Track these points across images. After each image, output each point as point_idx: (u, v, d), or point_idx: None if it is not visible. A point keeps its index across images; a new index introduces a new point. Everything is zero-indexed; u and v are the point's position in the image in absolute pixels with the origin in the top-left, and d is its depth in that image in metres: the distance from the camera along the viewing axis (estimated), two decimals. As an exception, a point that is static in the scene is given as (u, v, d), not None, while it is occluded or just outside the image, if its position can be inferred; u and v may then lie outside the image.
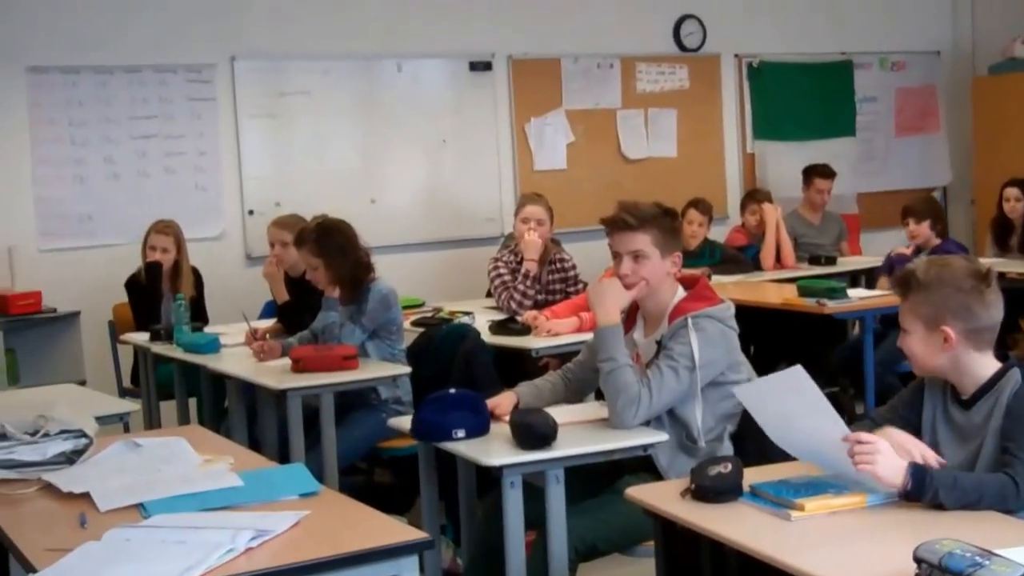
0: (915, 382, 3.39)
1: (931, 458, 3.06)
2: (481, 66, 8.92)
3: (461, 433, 3.90)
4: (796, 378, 3.08)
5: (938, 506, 2.92)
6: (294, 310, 6.22)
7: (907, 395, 3.39)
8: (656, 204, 4.15)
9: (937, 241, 7.38)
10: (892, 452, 2.99)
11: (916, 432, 3.28)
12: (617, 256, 4.09)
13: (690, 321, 3.95)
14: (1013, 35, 10.22)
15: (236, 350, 6.00)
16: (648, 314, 4.15)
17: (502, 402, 4.14)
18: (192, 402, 6.56)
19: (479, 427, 3.93)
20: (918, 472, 2.94)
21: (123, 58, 7.81)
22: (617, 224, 4.08)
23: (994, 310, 3.18)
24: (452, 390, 4.03)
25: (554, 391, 4.29)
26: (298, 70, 8.33)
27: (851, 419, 4.47)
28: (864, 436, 3.00)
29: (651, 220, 4.05)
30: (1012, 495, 2.93)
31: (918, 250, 7.36)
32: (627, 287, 4.04)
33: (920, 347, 3.22)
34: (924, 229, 7.45)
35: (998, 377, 3.17)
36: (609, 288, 4.06)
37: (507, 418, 3.96)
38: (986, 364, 3.20)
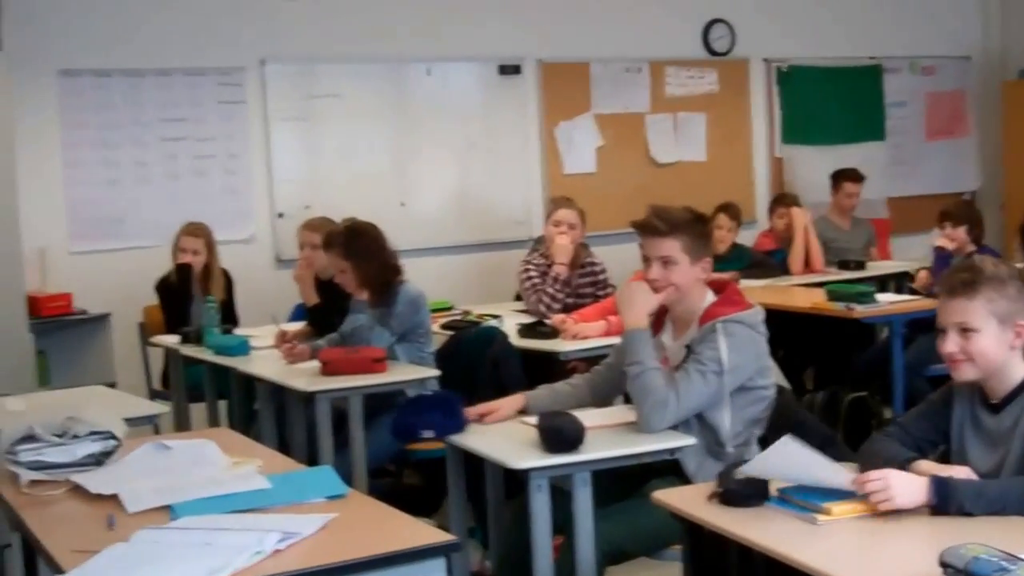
0: (945, 387, 3.35)
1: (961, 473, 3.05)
2: (510, 70, 8.95)
3: (429, 433, 3.99)
4: (787, 449, 3.07)
5: (965, 514, 2.90)
6: (323, 313, 6.22)
7: (936, 400, 3.36)
8: (687, 209, 4.16)
9: (972, 248, 7.31)
10: (904, 478, 2.97)
11: (945, 438, 3.26)
12: (647, 260, 4.09)
13: (719, 326, 3.96)
14: None
15: (266, 352, 6.01)
16: (677, 318, 4.15)
17: (502, 406, 4.18)
18: (222, 404, 6.59)
19: (449, 428, 4.00)
20: (941, 487, 2.93)
21: (153, 61, 7.86)
22: (647, 229, 4.08)
23: None
24: (432, 391, 4.11)
25: (576, 395, 4.29)
26: (328, 73, 8.37)
27: (879, 423, 4.47)
28: (871, 475, 2.98)
29: (681, 226, 4.05)
30: None
31: (952, 254, 7.33)
32: (655, 291, 4.05)
33: (993, 345, 3.14)
34: (960, 234, 7.39)
35: None
36: (637, 292, 4.07)
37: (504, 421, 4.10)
38: (1021, 366, 3.19)
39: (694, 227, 4.08)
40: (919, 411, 3.40)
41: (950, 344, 3.17)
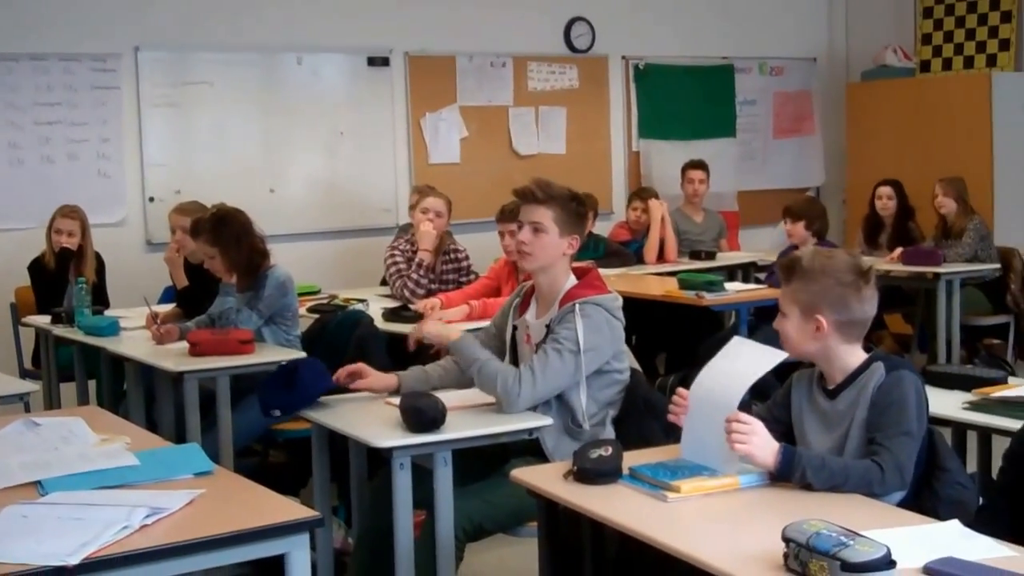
0: (786, 383, 3.51)
1: None
2: (379, 61, 9.04)
3: (277, 413, 4.14)
4: (773, 357, 3.21)
5: (807, 486, 3.04)
6: (193, 295, 6.27)
7: (779, 396, 3.52)
8: (567, 187, 4.30)
9: (814, 241, 7.65)
10: (767, 435, 3.11)
11: (788, 429, 3.40)
12: (520, 225, 4.24)
13: (577, 307, 4.07)
14: (884, 43, 10.54)
15: (135, 333, 6.03)
16: (541, 297, 4.27)
17: (374, 377, 4.28)
18: (92, 384, 6.60)
19: (296, 403, 4.12)
20: (788, 452, 3.07)
21: (28, 46, 7.82)
22: (525, 196, 4.23)
23: (868, 306, 3.30)
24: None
25: (445, 376, 4.35)
26: (201, 61, 8.40)
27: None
28: (743, 416, 3.12)
29: (557, 198, 4.20)
30: (877, 480, 3.04)
31: (795, 249, 7.68)
32: (522, 255, 4.21)
33: (794, 331, 3.31)
34: (799, 229, 7.74)
35: (862, 369, 3.27)
36: (438, 324, 4.21)
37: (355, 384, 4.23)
38: (854, 355, 3.31)
39: (569, 203, 4.23)
40: (767, 406, 3.55)
41: (775, 322, 3.40)
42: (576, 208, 4.28)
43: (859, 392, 3.26)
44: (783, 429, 3.39)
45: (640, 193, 9.17)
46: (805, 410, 3.41)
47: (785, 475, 3.09)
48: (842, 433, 3.27)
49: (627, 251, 8.66)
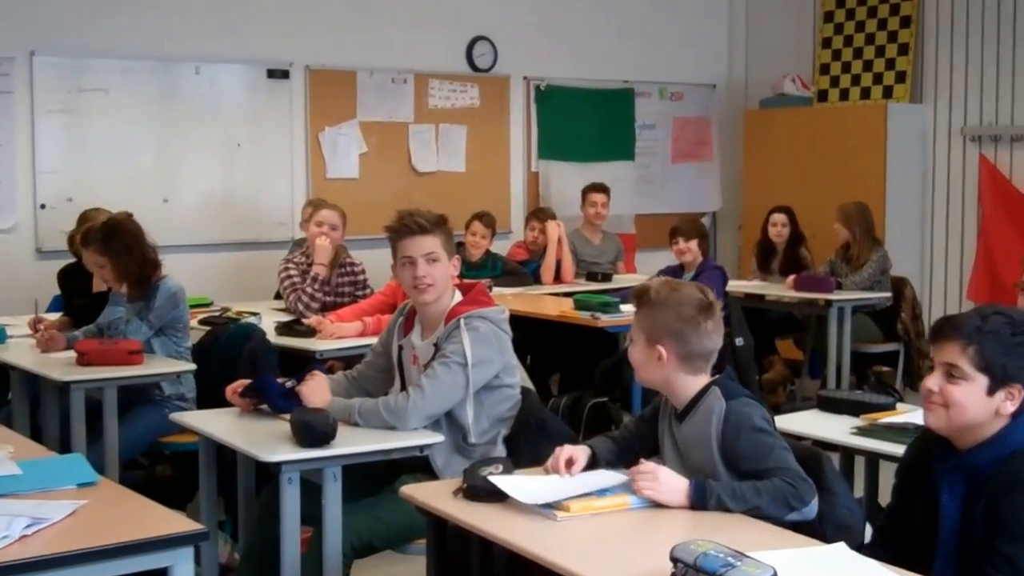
0: (655, 399, 3.57)
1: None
2: (278, 74, 8.98)
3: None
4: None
5: (725, 509, 3.09)
6: (81, 305, 6.21)
7: (647, 411, 3.60)
8: (431, 211, 4.29)
9: (701, 259, 7.79)
10: (671, 475, 3.17)
11: (654, 445, 3.49)
12: (410, 261, 4.16)
13: (462, 322, 4.09)
14: (783, 72, 10.66)
15: (21, 341, 5.97)
16: (426, 318, 4.26)
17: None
18: None
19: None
20: (699, 489, 3.12)
21: (-79, 49, 7.68)
22: (411, 229, 4.17)
23: (709, 340, 3.37)
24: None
25: (347, 392, 4.34)
26: (97, 67, 8.28)
27: (616, 427, 4.73)
28: (643, 467, 3.18)
29: (439, 224, 4.21)
30: (791, 494, 3.11)
31: (682, 268, 7.84)
32: (425, 288, 4.15)
33: (639, 357, 3.41)
34: (694, 246, 7.82)
35: (701, 395, 3.35)
36: (316, 391, 4.13)
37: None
38: (696, 384, 3.38)
39: (446, 226, 4.26)
40: (638, 418, 3.67)
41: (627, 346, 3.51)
42: (451, 230, 4.32)
43: (703, 421, 3.32)
44: (650, 445, 3.48)
45: (538, 213, 9.22)
46: (665, 434, 3.47)
47: (701, 506, 3.13)
48: (693, 459, 3.33)
49: (524, 271, 8.72)
